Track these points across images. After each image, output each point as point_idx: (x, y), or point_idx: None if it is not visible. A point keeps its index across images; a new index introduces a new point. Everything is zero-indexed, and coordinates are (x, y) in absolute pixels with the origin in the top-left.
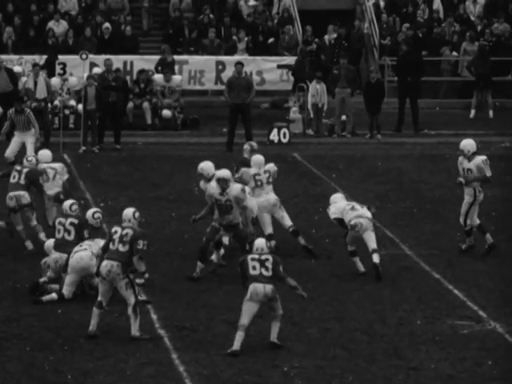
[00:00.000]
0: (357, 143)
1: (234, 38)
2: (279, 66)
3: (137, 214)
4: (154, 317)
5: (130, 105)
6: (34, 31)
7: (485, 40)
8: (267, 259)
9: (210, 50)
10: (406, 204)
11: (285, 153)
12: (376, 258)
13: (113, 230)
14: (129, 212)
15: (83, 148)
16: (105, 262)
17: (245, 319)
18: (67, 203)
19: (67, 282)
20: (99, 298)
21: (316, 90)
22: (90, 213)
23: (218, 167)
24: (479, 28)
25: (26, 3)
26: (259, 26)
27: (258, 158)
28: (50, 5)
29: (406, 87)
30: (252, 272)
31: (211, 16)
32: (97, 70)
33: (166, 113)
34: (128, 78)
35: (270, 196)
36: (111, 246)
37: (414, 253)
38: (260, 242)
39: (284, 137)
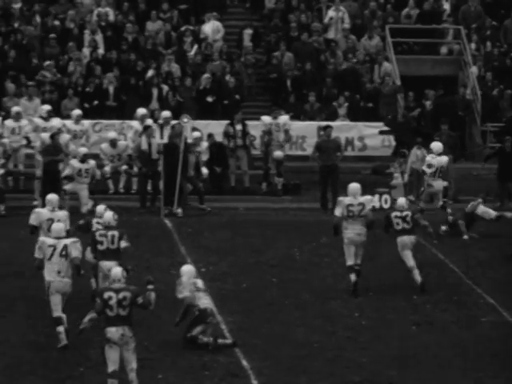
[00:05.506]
0: (460, 208)
1: (335, 104)
2: (381, 132)
3: (124, 273)
4: (254, 382)
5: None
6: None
7: None
8: (407, 215)
9: (311, 115)
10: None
11: None
12: None
13: (105, 295)
14: (117, 272)
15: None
16: (113, 328)
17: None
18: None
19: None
20: (112, 368)
21: (416, 156)
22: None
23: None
24: None
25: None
26: (361, 86)
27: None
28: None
29: None
30: (396, 227)
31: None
32: (196, 134)
33: (278, 154)
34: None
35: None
36: (109, 313)
37: None
38: (400, 201)
39: (386, 203)
